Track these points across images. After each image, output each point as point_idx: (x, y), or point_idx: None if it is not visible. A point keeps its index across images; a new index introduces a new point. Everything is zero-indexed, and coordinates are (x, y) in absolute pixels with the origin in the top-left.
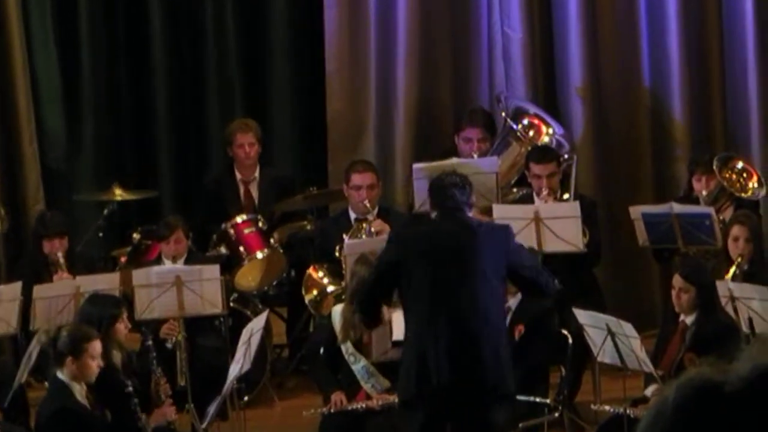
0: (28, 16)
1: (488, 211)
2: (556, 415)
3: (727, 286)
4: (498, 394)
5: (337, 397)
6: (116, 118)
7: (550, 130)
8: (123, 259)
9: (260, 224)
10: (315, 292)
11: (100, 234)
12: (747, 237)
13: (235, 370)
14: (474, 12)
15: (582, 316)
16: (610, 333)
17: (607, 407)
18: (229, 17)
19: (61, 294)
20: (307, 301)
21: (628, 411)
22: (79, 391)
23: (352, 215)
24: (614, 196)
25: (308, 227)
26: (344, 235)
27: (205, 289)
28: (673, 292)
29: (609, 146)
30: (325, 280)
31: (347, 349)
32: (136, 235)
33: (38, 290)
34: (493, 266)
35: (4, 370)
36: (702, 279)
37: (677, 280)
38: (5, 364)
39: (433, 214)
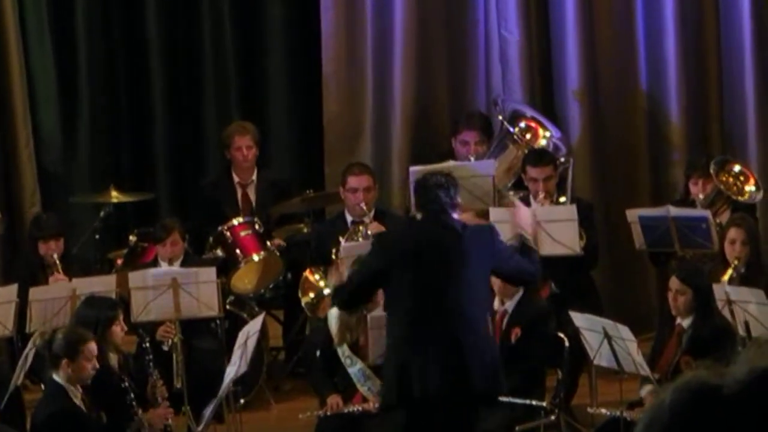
0: (24, 18)
1: (485, 215)
2: (553, 418)
3: (723, 289)
4: (487, 401)
5: (334, 400)
6: (112, 120)
7: (547, 133)
8: (119, 262)
9: (257, 227)
10: (311, 295)
11: (97, 236)
12: (744, 240)
13: (231, 372)
14: (471, 14)
15: (579, 319)
16: (607, 336)
17: (603, 410)
18: (226, 20)
19: (58, 296)
20: (303, 303)
21: (624, 414)
22: (75, 394)
23: (349, 218)
24: (611, 199)
25: (305, 230)
26: (341, 238)
27: (201, 292)
28: (670, 295)
29: (606, 149)
30: (322, 283)
31: (343, 351)
32: (132, 238)
33: (34, 292)
34: (479, 269)
35: (0, 372)
36: (699, 282)
37: (674, 283)
38: (1, 367)
39: (418, 216)
